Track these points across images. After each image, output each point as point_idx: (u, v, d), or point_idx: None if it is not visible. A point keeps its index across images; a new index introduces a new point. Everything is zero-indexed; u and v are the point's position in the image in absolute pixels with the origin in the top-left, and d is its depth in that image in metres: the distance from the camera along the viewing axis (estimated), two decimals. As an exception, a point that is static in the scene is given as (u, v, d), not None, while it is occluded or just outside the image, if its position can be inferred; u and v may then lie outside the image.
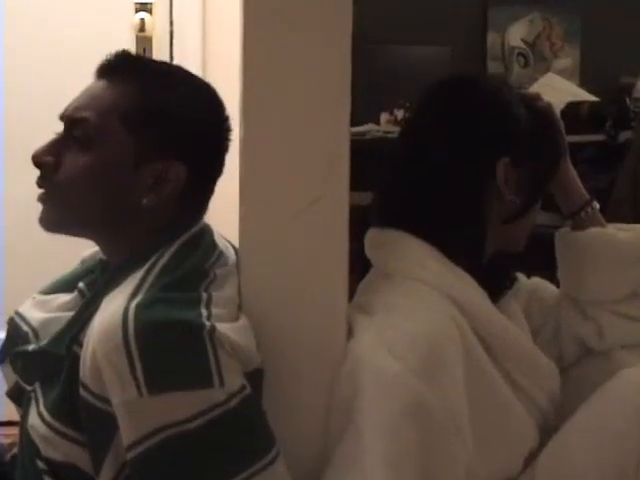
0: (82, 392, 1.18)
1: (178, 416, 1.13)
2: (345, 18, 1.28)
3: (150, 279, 1.23)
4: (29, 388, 1.30)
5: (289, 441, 1.23)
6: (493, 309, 1.35)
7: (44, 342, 1.29)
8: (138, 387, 1.12)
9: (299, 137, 1.28)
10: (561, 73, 3.40)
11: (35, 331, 1.34)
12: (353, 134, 1.32)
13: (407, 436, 1.19)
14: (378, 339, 1.25)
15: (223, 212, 1.57)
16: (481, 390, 1.28)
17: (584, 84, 3.34)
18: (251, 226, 1.29)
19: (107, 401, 1.16)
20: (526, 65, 3.47)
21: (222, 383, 1.15)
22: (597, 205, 1.51)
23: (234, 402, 1.16)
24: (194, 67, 2.62)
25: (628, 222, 1.53)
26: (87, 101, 1.30)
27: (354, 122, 1.31)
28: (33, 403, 1.28)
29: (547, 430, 1.39)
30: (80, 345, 1.21)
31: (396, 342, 1.24)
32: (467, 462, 1.23)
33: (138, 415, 1.13)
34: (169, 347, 1.15)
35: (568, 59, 3.48)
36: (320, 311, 1.29)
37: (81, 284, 1.38)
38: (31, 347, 1.30)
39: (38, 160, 1.29)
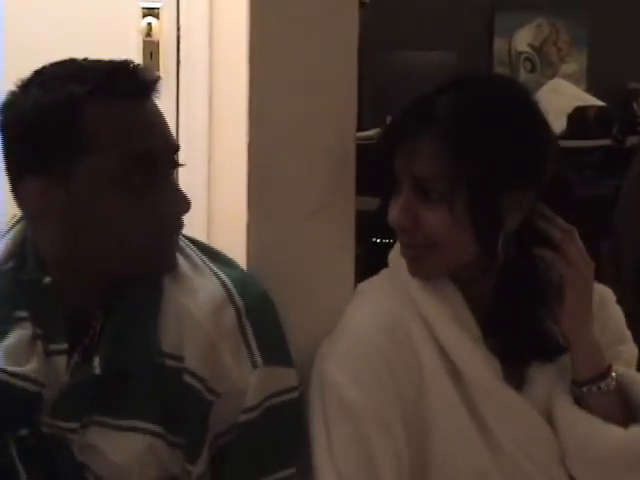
0: (187, 379, 1.16)
1: (284, 386, 1.19)
2: (351, 23, 1.28)
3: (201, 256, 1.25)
4: (71, 426, 1.15)
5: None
6: (457, 329, 1.21)
7: (97, 366, 1.15)
8: (253, 360, 1.17)
9: (306, 142, 1.28)
10: (568, 78, 3.40)
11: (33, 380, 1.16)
12: (359, 139, 1.32)
13: (336, 424, 1.19)
14: (336, 327, 1.26)
15: (229, 218, 1.57)
16: (414, 402, 1.21)
17: (591, 89, 3.33)
18: (258, 232, 1.29)
19: (211, 390, 1.17)
20: (533, 70, 3.47)
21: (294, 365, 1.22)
22: (611, 384, 1.20)
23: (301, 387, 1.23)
24: (201, 71, 2.61)
25: (635, 229, 1.48)
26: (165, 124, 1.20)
27: (360, 127, 1.30)
28: (91, 435, 1.17)
29: None
30: (159, 351, 1.17)
31: (336, 329, 1.25)
32: (402, 457, 1.19)
33: (255, 384, 1.17)
34: (272, 321, 1.21)
35: (575, 64, 3.48)
36: (326, 314, 1.29)
37: (23, 313, 1.18)
38: (96, 370, 1.15)
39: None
